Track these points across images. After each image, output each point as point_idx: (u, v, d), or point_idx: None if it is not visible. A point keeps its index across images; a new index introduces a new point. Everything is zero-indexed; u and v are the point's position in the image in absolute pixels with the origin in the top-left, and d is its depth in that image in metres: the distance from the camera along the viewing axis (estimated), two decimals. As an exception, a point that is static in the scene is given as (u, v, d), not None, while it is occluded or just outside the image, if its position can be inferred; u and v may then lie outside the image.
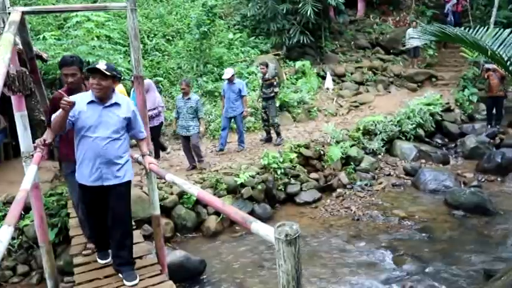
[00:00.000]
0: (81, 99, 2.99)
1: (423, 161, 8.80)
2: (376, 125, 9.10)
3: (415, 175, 7.97)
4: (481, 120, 10.74)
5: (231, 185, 6.58)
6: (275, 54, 12.34)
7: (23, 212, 4.89)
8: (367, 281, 4.89)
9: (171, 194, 6.17)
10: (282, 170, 7.18)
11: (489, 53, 4.71)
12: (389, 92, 12.32)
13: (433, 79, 12.61)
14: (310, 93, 11.37)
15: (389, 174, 8.31)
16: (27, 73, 3.12)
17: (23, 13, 2.93)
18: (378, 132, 9.03)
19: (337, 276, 5.03)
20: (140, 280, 3.19)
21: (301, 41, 12.23)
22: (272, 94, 8.27)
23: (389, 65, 13.21)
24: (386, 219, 6.51)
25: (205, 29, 10.78)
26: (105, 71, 2.91)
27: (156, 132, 7.04)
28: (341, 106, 11.42)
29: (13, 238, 5.13)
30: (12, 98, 3.11)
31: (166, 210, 5.95)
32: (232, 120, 8.05)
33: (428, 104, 9.98)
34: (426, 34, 5.30)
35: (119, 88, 5.48)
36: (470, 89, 11.57)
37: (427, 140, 9.62)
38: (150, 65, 10.86)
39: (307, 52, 13.00)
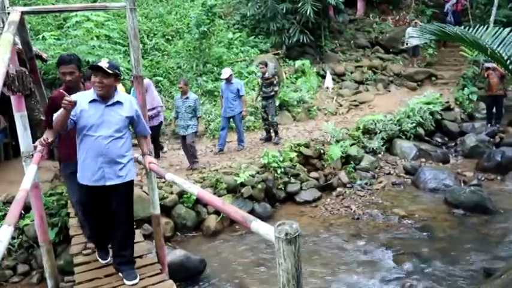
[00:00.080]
0: (83, 98, 2.96)
1: (423, 159, 8.80)
2: (376, 124, 9.10)
3: (415, 174, 7.98)
4: (480, 119, 10.74)
5: (231, 184, 6.59)
6: (275, 54, 12.35)
7: (23, 212, 4.91)
8: (366, 280, 4.90)
9: (171, 193, 6.18)
10: (282, 169, 7.19)
11: (489, 51, 4.72)
12: (389, 91, 12.31)
13: (433, 78, 12.60)
14: (310, 92, 11.38)
15: (389, 173, 8.32)
16: (27, 73, 3.11)
17: (23, 13, 2.93)
18: (378, 131, 9.03)
19: (337, 275, 5.04)
20: (140, 279, 3.19)
21: (301, 40, 12.25)
22: (272, 93, 8.28)
23: (389, 64, 13.21)
24: (386, 218, 6.52)
25: (205, 29, 10.77)
26: (107, 69, 2.88)
27: (155, 132, 7.04)
28: (341, 105, 11.42)
29: (13, 238, 5.14)
30: (12, 98, 3.10)
31: (166, 210, 5.95)
32: (232, 120, 8.06)
33: (428, 103, 9.97)
34: (426, 33, 5.31)
35: (119, 88, 5.47)
36: (470, 88, 11.57)
37: (427, 138, 9.61)
38: (149, 64, 10.86)
39: (306, 51, 13.01)
